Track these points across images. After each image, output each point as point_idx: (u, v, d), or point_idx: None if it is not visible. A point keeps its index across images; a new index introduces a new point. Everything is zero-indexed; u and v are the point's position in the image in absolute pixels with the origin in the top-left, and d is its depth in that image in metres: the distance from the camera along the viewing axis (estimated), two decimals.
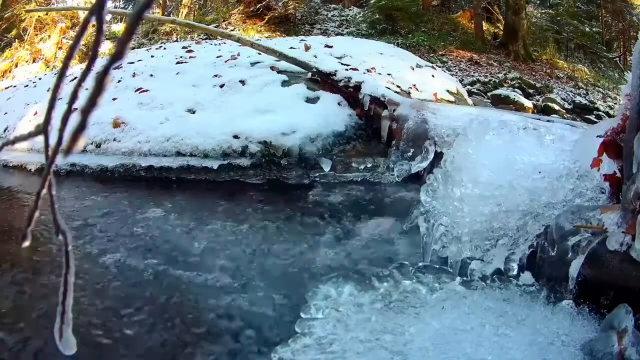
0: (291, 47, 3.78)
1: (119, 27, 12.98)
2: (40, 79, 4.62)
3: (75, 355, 0.46)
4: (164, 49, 4.58)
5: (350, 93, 2.82)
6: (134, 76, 3.33)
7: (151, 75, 3.32)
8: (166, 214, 2.00)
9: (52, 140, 0.39)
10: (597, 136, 1.34)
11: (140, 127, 2.64)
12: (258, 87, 2.94)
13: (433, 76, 3.88)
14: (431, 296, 1.29)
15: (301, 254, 1.66)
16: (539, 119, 2.33)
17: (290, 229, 1.86)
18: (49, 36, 11.92)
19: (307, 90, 2.90)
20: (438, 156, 1.95)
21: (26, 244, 0.42)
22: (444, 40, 12.11)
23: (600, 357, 0.97)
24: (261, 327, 1.25)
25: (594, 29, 14.32)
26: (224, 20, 12.99)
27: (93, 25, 0.37)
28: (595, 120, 8.23)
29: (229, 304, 1.35)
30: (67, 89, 0.35)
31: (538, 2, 15.28)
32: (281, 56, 3.26)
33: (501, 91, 8.82)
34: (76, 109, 0.35)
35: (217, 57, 3.67)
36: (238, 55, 3.62)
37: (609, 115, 8.69)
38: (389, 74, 3.43)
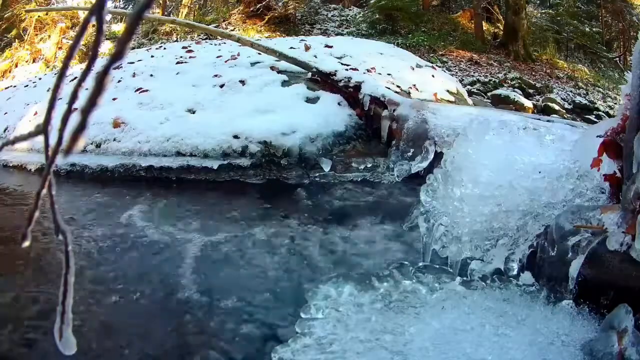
0: (291, 47, 3.78)
1: (119, 27, 12.98)
2: (40, 79, 4.62)
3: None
4: (164, 49, 4.58)
5: (350, 93, 2.82)
6: (134, 76, 3.33)
7: (151, 75, 3.32)
8: (164, 213, 2.00)
9: (52, 140, 0.39)
10: (597, 136, 1.34)
11: (140, 127, 2.64)
12: (258, 87, 2.95)
13: (433, 76, 3.88)
14: (431, 296, 1.29)
15: (301, 254, 1.66)
16: (539, 119, 2.33)
17: (290, 229, 1.86)
18: (49, 36, 11.92)
19: (307, 90, 2.90)
20: (438, 156, 1.95)
21: (26, 244, 0.42)
22: (444, 40, 12.11)
23: (600, 357, 0.97)
24: (261, 327, 1.25)
25: (594, 29, 14.31)
26: (224, 20, 12.99)
27: (93, 25, 0.37)
28: (595, 120, 8.23)
29: (229, 304, 1.35)
30: (67, 89, 0.35)
31: (538, 2, 15.27)
32: (281, 56, 3.26)
33: (501, 91, 8.82)
34: (76, 109, 0.35)
35: (217, 57, 3.67)
36: (238, 55, 3.62)
37: (609, 115, 8.69)
38: (389, 74, 3.43)
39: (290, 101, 2.77)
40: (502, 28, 12.96)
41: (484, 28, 12.96)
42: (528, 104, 8.25)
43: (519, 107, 7.78)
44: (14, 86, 5.04)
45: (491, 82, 9.89)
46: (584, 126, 2.28)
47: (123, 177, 2.48)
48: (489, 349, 1.02)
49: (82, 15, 8.77)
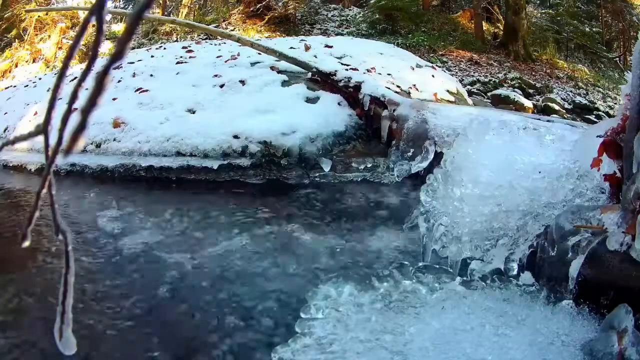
0: (291, 47, 3.78)
1: (119, 27, 12.98)
2: (40, 79, 4.62)
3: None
4: (164, 49, 4.58)
5: (350, 93, 2.82)
6: (134, 76, 3.33)
7: (151, 75, 3.32)
8: (165, 214, 2.00)
9: (52, 140, 0.39)
10: (597, 136, 1.33)
11: (140, 127, 2.64)
12: (258, 87, 2.95)
13: (433, 76, 3.88)
14: (431, 296, 1.29)
15: (301, 254, 1.66)
16: (539, 119, 2.33)
17: (290, 229, 1.86)
18: (49, 36, 11.92)
19: (307, 90, 2.90)
20: (438, 156, 1.95)
21: (26, 244, 0.42)
22: (444, 40, 12.12)
23: (600, 357, 0.97)
24: (261, 327, 1.25)
25: (594, 29, 14.32)
26: (224, 20, 12.99)
27: (93, 25, 0.37)
28: (595, 120, 8.23)
29: (229, 304, 1.35)
30: (67, 89, 0.35)
31: (538, 2, 15.28)
32: (281, 56, 3.26)
33: (501, 91, 8.82)
34: (76, 109, 0.35)
35: (217, 57, 3.67)
36: (238, 55, 3.62)
37: (609, 115, 8.69)
38: (389, 74, 3.43)
39: (290, 101, 2.77)
40: (502, 28, 12.97)
41: (484, 28, 12.97)
42: (528, 104, 8.25)
43: (519, 107, 7.78)
44: (14, 86, 5.04)
45: (491, 82, 9.89)
46: (584, 126, 2.28)
47: (123, 177, 2.48)
48: (489, 349, 1.02)
49: (82, 15, 8.77)
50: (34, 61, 11.54)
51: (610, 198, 1.32)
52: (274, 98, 2.80)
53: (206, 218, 1.97)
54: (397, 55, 4.29)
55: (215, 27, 8.67)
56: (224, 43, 4.40)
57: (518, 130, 1.68)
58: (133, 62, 3.70)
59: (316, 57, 3.47)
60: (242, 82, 2.99)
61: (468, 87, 8.70)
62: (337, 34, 11.50)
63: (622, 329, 0.98)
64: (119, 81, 3.23)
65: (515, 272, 1.37)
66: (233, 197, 2.24)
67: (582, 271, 1.14)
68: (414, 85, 3.38)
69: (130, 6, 13.59)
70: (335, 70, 2.96)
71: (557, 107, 8.83)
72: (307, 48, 3.83)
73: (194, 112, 2.74)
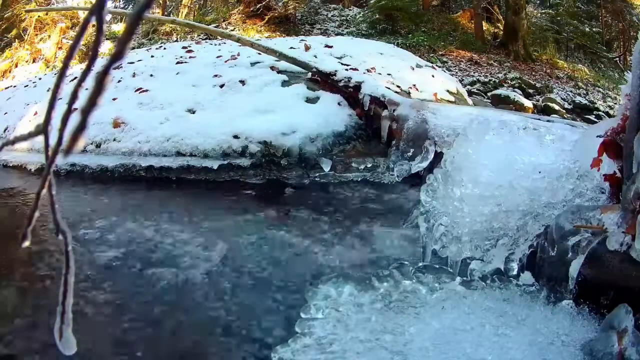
0: (291, 47, 3.78)
1: (119, 27, 12.98)
2: (40, 79, 4.62)
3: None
4: (164, 49, 4.58)
5: (350, 93, 2.82)
6: (134, 76, 3.33)
7: (151, 75, 3.32)
8: (164, 213, 2.00)
9: (52, 140, 0.39)
10: (597, 136, 1.33)
11: (140, 127, 2.64)
12: (258, 87, 2.95)
13: (433, 76, 3.89)
14: (431, 296, 1.29)
15: (301, 254, 1.66)
16: (539, 119, 2.33)
17: (290, 229, 1.86)
18: (49, 36, 11.93)
19: (307, 90, 2.90)
20: (438, 156, 1.95)
21: (26, 244, 0.42)
22: (444, 40, 12.12)
23: (600, 357, 0.97)
24: (261, 327, 1.25)
25: (594, 29, 14.32)
26: (224, 20, 12.99)
27: (93, 25, 0.37)
28: (595, 120, 8.23)
29: (229, 304, 1.35)
30: (67, 89, 0.35)
31: (538, 2, 15.28)
32: (281, 56, 3.27)
33: (501, 91, 8.83)
34: (76, 109, 0.35)
35: (217, 57, 3.67)
36: (238, 55, 3.62)
37: (609, 115, 8.69)
38: (389, 74, 3.43)
39: (290, 101, 2.77)
40: (502, 28, 12.97)
41: (484, 28, 12.97)
42: (528, 104, 8.26)
43: (519, 107, 7.79)
44: (14, 86, 5.04)
45: (491, 82, 9.90)
46: (584, 126, 2.28)
47: (123, 177, 2.48)
48: (489, 349, 1.02)
49: (82, 15, 8.77)
50: (34, 61, 11.54)
51: (610, 198, 1.32)
52: (274, 98, 2.80)
53: (206, 218, 1.97)
54: (397, 55, 4.29)
55: (215, 27, 8.68)
56: (224, 43, 4.40)
57: (518, 130, 1.68)
58: (133, 62, 3.70)
59: (316, 57, 3.47)
60: (242, 82, 2.99)
61: (468, 87, 8.70)
62: (337, 34, 11.51)
63: (622, 329, 0.98)
64: (119, 81, 3.23)
65: (515, 272, 1.37)
66: (233, 197, 2.24)
67: (582, 271, 1.14)
68: (414, 85, 3.38)
69: (130, 6, 13.59)
70: (335, 70, 2.96)
71: (557, 107, 8.83)
72: (307, 48, 3.83)
73: (194, 112, 2.74)
